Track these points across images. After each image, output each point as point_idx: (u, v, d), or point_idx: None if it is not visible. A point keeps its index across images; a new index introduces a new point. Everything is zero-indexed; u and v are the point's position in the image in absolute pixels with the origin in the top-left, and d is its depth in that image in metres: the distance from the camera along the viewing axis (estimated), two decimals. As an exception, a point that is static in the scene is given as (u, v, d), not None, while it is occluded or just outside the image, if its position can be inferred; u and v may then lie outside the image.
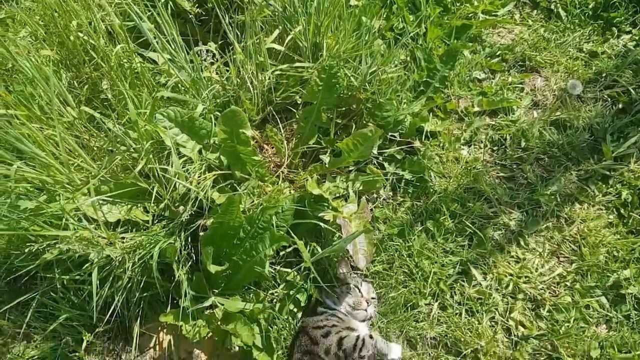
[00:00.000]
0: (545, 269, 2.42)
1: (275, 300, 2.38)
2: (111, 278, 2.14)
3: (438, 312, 2.37)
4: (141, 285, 2.19)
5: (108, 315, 2.18)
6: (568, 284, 2.38)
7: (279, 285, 2.39)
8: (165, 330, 2.41)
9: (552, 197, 2.52)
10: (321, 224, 2.26)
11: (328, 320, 2.21)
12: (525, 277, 2.40)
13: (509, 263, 2.43)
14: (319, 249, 2.28)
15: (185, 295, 2.16)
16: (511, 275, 2.40)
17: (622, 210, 2.49)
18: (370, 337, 2.15)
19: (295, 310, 2.36)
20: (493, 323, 2.35)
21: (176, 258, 2.18)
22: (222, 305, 2.25)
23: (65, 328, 2.27)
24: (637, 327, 2.30)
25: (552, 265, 2.43)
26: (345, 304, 2.25)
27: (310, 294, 2.34)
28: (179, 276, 2.18)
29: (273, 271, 2.40)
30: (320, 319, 2.22)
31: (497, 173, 2.61)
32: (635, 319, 2.29)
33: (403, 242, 2.43)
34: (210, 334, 2.35)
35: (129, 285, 2.17)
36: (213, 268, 2.15)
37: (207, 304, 2.18)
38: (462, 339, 2.30)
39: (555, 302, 2.33)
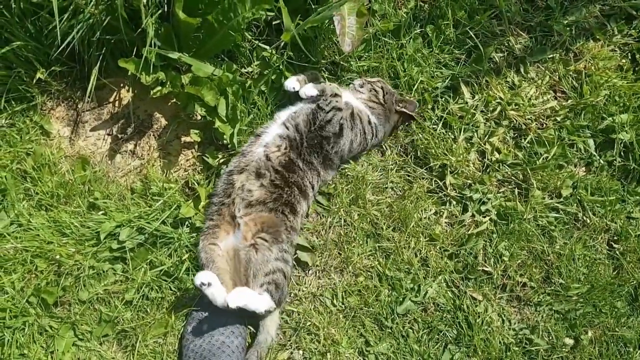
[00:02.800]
0: (539, 101, 2.26)
1: (247, 78, 2.21)
2: (72, 7, 1.93)
3: (416, 123, 2.23)
4: (104, 25, 1.98)
5: (66, 53, 2.02)
6: (558, 119, 2.23)
7: (253, 62, 2.21)
8: (126, 88, 2.26)
9: (568, 27, 2.29)
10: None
11: None
12: (515, 104, 2.24)
13: (502, 87, 2.25)
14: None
15: (151, 46, 1.97)
16: (501, 99, 2.24)
17: (637, 56, 2.28)
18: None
19: (266, 91, 2.20)
20: (469, 144, 2.23)
21: (145, 1, 1.95)
22: (190, 65, 2.07)
23: (19, 59, 2.10)
24: (617, 174, 2.20)
25: (547, 98, 2.27)
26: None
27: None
28: (145, 23, 1.97)
29: (249, 46, 2.20)
30: None
31: (517, -9, 2.34)
32: (617, 165, 2.18)
33: (396, 42, 2.22)
34: (173, 99, 2.23)
35: (90, 20, 1.96)
36: (182, 15, 1.94)
37: (173, 55, 2.00)
38: (433, 152, 2.19)
39: (539, 134, 2.20)
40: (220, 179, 2.09)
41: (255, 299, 1.87)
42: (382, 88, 2.16)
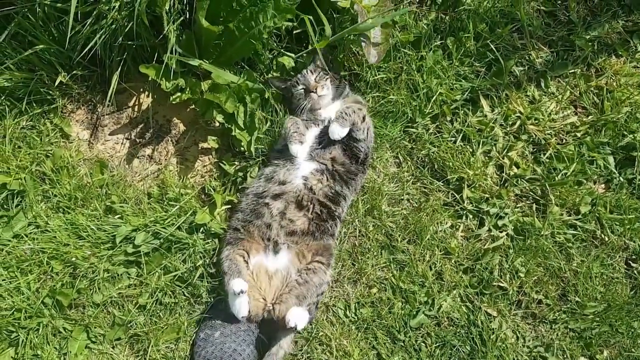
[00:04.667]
0: (559, 116, 2.23)
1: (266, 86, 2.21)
2: (95, 12, 1.94)
3: (434, 135, 2.22)
4: (126, 30, 2.00)
5: (88, 57, 2.03)
6: (578, 135, 2.21)
7: (273, 71, 2.21)
8: (146, 93, 2.28)
9: (590, 42, 2.26)
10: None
11: None
12: (535, 119, 2.22)
13: (522, 101, 2.23)
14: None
15: (172, 53, 1.99)
16: (521, 113, 2.22)
17: (660, 73, 2.25)
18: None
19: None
20: (487, 157, 2.21)
21: (167, 8, 1.96)
22: (210, 72, 2.08)
23: (42, 62, 2.12)
24: (637, 192, 2.17)
25: (568, 113, 2.25)
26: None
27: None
28: (167, 30, 1.99)
29: (270, 54, 2.21)
30: None
31: (539, 5, 2.31)
32: (638, 183, 2.15)
33: (416, 53, 2.21)
34: (192, 105, 2.24)
35: (113, 26, 1.98)
36: (205, 23, 1.95)
37: (194, 62, 2.02)
38: (451, 165, 2.17)
39: (559, 150, 2.18)
40: (246, 197, 2.07)
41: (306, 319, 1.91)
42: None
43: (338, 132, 1.99)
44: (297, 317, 1.85)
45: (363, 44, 2.03)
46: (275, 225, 1.98)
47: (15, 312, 2.03)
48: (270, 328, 2.02)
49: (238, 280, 1.88)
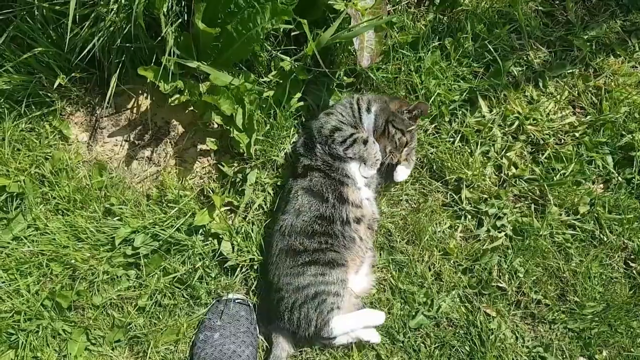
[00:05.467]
0: (557, 116, 2.23)
1: (265, 88, 2.21)
2: (93, 15, 1.95)
3: (432, 136, 2.22)
4: (124, 33, 2.00)
5: (86, 60, 2.03)
6: (577, 134, 2.20)
7: (271, 72, 2.21)
8: (145, 95, 2.28)
9: (588, 43, 2.26)
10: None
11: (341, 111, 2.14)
12: (534, 119, 2.22)
13: (521, 102, 2.23)
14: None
15: (170, 54, 1.99)
16: (519, 114, 2.21)
17: (659, 73, 2.25)
18: (365, 142, 2.03)
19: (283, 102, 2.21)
20: (485, 158, 2.21)
21: (165, 10, 1.97)
22: (208, 74, 2.08)
23: (40, 64, 2.12)
24: (635, 192, 2.17)
25: (566, 113, 2.24)
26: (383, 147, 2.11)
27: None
28: (165, 32, 1.99)
29: (268, 56, 2.21)
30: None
31: (537, 6, 2.31)
32: (636, 183, 2.15)
33: (414, 54, 2.21)
34: (190, 106, 2.24)
35: (111, 28, 1.98)
36: (202, 25, 1.95)
37: (192, 64, 2.01)
38: (449, 166, 2.17)
39: (557, 150, 2.18)
40: (332, 224, 1.98)
41: None
42: None
43: (405, 175, 2.13)
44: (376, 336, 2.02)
45: (356, 46, 2.02)
46: (364, 248, 2.04)
47: (15, 315, 2.04)
48: (268, 329, 2.03)
49: (378, 312, 2.03)
